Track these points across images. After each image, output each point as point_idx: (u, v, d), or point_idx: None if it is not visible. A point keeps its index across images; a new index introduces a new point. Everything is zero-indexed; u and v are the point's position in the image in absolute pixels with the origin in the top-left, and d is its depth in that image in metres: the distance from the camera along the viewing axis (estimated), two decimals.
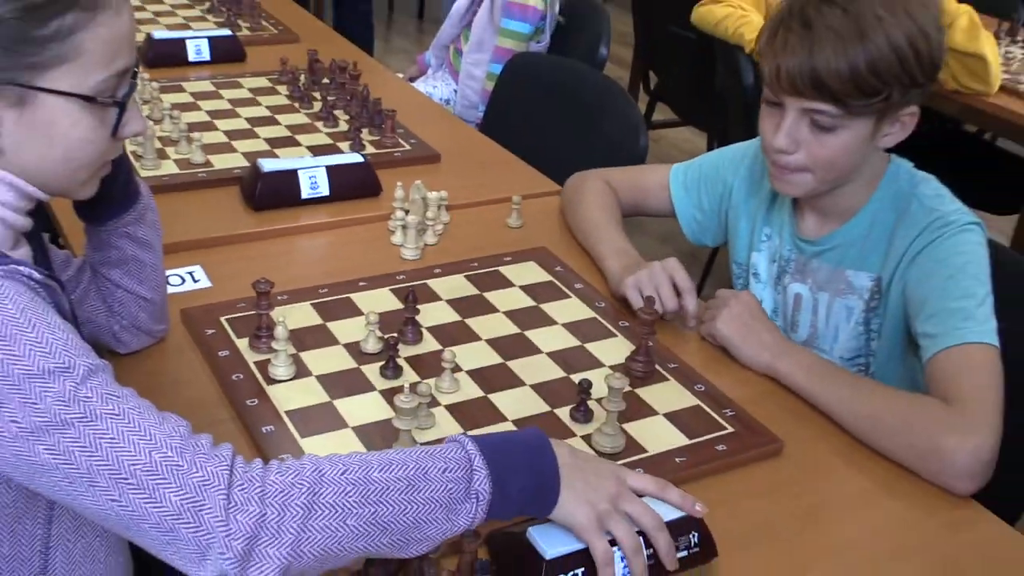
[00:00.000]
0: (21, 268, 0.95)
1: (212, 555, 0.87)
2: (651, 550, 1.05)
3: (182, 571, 0.90)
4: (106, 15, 0.97)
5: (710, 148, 3.24)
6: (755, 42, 2.81)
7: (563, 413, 1.32)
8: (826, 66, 1.33)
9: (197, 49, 2.43)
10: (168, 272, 1.44)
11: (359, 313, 1.48)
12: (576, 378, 1.35)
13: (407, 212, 1.71)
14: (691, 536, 1.08)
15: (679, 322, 1.53)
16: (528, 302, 1.56)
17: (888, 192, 1.49)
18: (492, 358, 1.42)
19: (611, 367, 1.41)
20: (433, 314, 1.50)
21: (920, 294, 1.40)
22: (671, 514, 1.08)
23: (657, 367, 1.42)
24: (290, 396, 1.30)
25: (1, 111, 0.95)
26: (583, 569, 1.02)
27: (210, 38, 2.46)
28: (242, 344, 1.38)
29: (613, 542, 1.02)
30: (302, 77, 2.30)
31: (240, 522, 0.87)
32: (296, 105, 2.22)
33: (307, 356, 1.38)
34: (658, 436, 1.29)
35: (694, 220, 1.71)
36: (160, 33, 2.47)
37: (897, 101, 1.38)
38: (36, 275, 0.97)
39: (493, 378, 1.37)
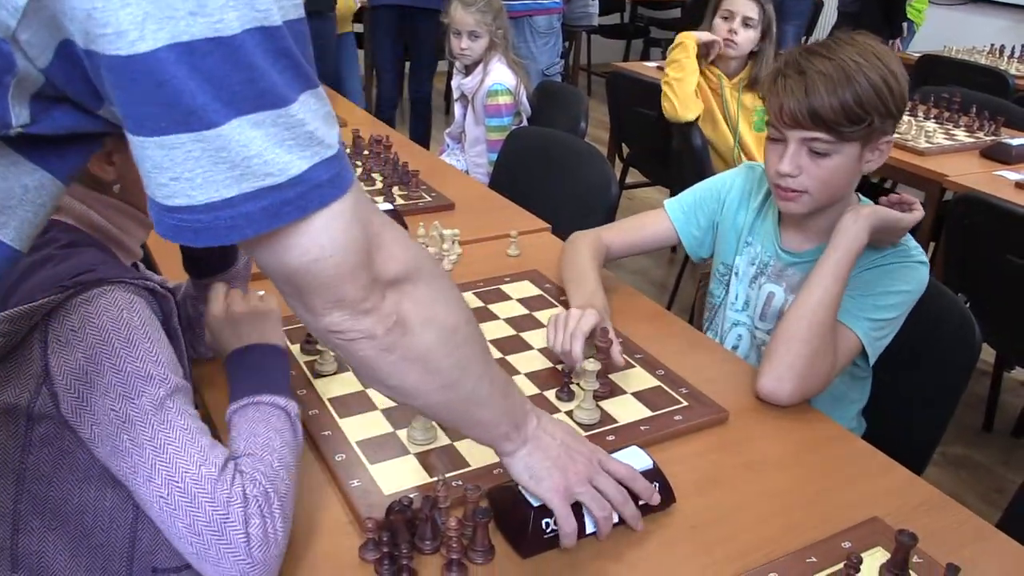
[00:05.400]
0: (147, 282, 0.95)
1: (229, 562, 0.83)
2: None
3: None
4: None
5: None
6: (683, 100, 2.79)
7: (550, 394, 1.27)
8: (821, 103, 1.30)
9: None
10: None
11: None
12: (560, 367, 1.31)
13: (427, 246, 1.67)
14: (654, 486, 1.03)
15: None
16: (523, 311, 1.52)
17: None
18: (495, 353, 1.37)
19: (586, 357, 1.36)
20: None
21: (860, 280, 1.36)
22: (637, 468, 1.04)
23: (626, 357, 1.37)
24: (331, 387, 1.26)
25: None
26: None
27: None
28: (295, 348, 1.35)
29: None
30: (347, 150, 2.27)
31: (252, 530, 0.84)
32: None
33: None
34: (627, 410, 1.24)
35: (693, 237, 1.63)
36: None
37: (877, 128, 1.33)
38: (158, 288, 0.97)
39: None
